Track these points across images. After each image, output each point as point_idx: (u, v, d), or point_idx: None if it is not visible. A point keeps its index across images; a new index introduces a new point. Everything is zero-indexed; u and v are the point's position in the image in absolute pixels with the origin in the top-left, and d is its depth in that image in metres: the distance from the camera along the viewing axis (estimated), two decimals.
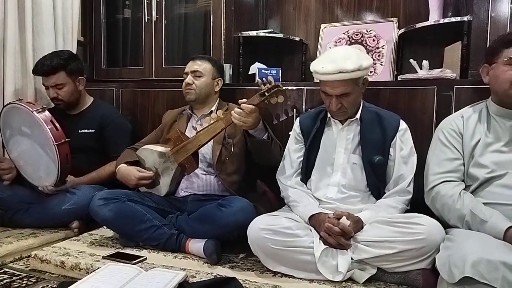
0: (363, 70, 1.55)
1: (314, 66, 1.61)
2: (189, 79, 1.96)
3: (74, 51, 2.50)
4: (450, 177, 1.47)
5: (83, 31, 2.75)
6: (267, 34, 2.43)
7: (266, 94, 1.61)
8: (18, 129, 1.98)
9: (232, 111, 1.64)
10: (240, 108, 1.62)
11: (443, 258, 1.21)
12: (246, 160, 1.93)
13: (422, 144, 1.70)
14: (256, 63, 2.38)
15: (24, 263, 1.69)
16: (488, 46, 1.51)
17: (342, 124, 1.70)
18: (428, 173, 1.54)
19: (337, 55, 1.57)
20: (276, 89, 1.60)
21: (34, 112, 1.88)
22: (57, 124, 1.90)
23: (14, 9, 2.20)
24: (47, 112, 1.92)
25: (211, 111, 1.97)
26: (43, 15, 2.33)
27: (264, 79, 1.63)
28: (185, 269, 1.51)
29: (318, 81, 1.65)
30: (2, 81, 2.20)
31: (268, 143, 1.73)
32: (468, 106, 1.59)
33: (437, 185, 1.48)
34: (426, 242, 1.34)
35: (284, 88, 1.62)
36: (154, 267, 1.51)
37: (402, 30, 2.25)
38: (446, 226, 1.41)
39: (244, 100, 1.64)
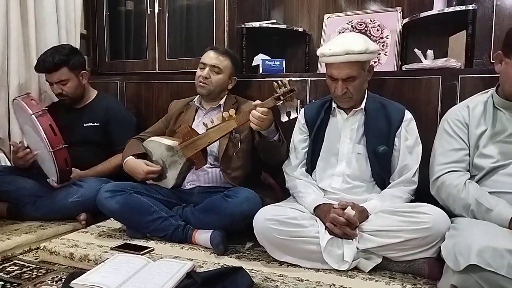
0: (369, 54, 1.57)
1: (321, 50, 1.62)
2: (206, 73, 1.90)
3: (77, 44, 2.51)
4: (456, 167, 1.47)
5: (86, 24, 2.75)
6: (270, 25, 2.42)
7: (281, 98, 1.57)
8: (25, 122, 1.99)
9: (250, 116, 1.59)
10: (257, 112, 1.58)
11: (448, 247, 1.21)
12: (252, 155, 1.92)
13: (427, 134, 1.70)
14: (260, 54, 2.37)
15: (33, 255, 1.71)
16: (507, 32, 1.41)
17: (347, 114, 1.70)
18: (434, 163, 1.54)
19: (344, 39, 1.60)
20: (292, 93, 1.56)
21: (33, 116, 1.84)
22: (56, 129, 1.87)
23: (16, 2, 2.20)
24: (47, 116, 1.88)
25: (220, 105, 1.97)
26: (45, 8, 2.33)
27: (279, 81, 1.58)
28: (192, 259, 1.53)
29: (321, 71, 1.65)
30: (6, 75, 2.21)
31: (278, 144, 1.71)
32: (474, 96, 1.58)
33: (442, 175, 1.48)
34: (432, 231, 1.35)
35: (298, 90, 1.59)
36: (162, 258, 1.52)
37: (406, 20, 2.23)
38: (451, 215, 1.41)
39: (258, 102, 1.61)
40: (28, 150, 2.00)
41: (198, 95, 2.02)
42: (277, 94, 1.58)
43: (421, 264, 1.40)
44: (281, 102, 1.58)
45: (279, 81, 1.58)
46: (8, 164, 2.15)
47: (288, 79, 1.62)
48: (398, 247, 1.40)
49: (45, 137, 1.84)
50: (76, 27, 2.55)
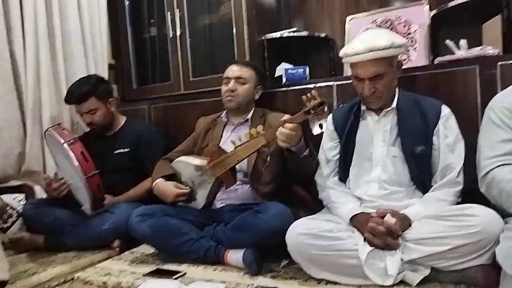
0: (396, 48, 1.47)
1: (343, 50, 1.55)
2: (232, 85, 1.89)
3: (106, 74, 2.57)
4: (506, 160, 1.32)
5: (113, 54, 2.82)
6: (291, 34, 2.37)
7: (312, 112, 1.49)
8: (58, 152, 2.02)
9: (277, 133, 1.51)
10: (284, 129, 1.49)
11: (504, 250, 1.09)
12: (282, 169, 1.83)
13: (467, 130, 1.55)
14: (282, 63, 2.32)
15: (68, 286, 1.70)
16: None
17: (378, 115, 1.60)
18: (481, 157, 1.38)
19: (367, 36, 1.52)
20: (322, 106, 1.47)
21: (65, 144, 1.88)
22: (87, 156, 1.89)
23: (45, 39, 2.30)
24: (78, 144, 1.92)
25: (247, 119, 1.93)
26: (72, 42, 2.43)
27: (309, 94, 1.49)
28: (224, 281, 1.47)
29: (348, 75, 1.57)
30: (39, 109, 2.29)
31: (309, 160, 1.63)
32: None
33: (492, 169, 1.32)
34: (483, 234, 1.21)
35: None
36: (194, 281, 1.47)
37: (434, 12, 2.11)
38: (504, 215, 1.27)
39: (287, 116, 1.52)
40: (62, 181, 2.03)
41: (225, 111, 2.00)
42: (307, 108, 1.49)
43: (475, 272, 1.26)
44: (312, 116, 1.50)
45: (308, 94, 1.49)
46: (45, 196, 2.19)
47: (313, 85, 1.54)
48: (447, 255, 1.27)
49: (78, 164, 1.86)
50: (104, 58, 2.63)
